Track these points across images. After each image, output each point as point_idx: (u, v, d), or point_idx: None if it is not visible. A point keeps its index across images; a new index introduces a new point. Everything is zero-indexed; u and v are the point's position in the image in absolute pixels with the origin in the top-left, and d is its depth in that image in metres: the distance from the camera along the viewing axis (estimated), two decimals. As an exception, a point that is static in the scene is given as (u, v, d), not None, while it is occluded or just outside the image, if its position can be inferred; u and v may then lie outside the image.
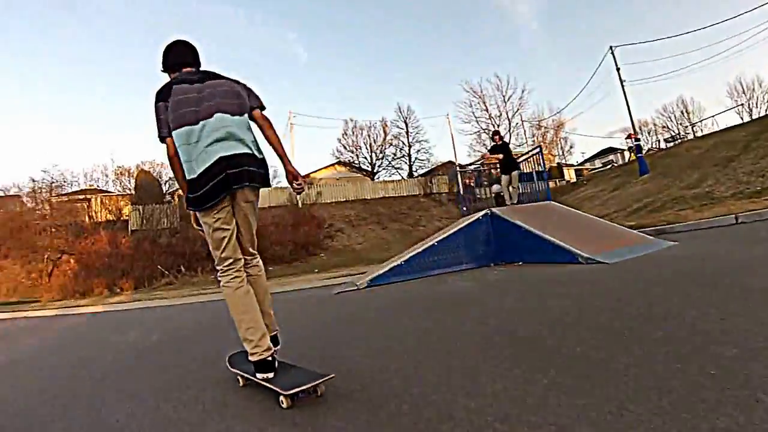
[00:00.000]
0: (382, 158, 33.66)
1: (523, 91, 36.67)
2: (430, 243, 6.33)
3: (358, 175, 32.13)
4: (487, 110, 35.93)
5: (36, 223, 18.80)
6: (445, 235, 6.40)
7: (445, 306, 3.95)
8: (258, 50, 60.76)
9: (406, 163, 34.06)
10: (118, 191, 23.82)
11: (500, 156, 8.70)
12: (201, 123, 2.01)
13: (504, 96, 36.03)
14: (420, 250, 6.25)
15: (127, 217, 20.35)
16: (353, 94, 59.30)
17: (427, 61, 59.67)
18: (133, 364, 3.33)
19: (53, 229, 18.59)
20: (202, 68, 2.33)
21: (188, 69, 2.27)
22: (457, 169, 18.24)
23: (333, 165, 33.69)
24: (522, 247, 6.15)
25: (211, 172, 1.95)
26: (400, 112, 34.68)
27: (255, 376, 2.00)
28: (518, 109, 36.07)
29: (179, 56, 2.29)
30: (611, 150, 42.74)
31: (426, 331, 2.99)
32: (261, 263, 2.33)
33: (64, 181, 20.90)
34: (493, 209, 6.77)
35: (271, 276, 13.32)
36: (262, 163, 2.13)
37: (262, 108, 2.24)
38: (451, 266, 6.23)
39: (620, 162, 34.11)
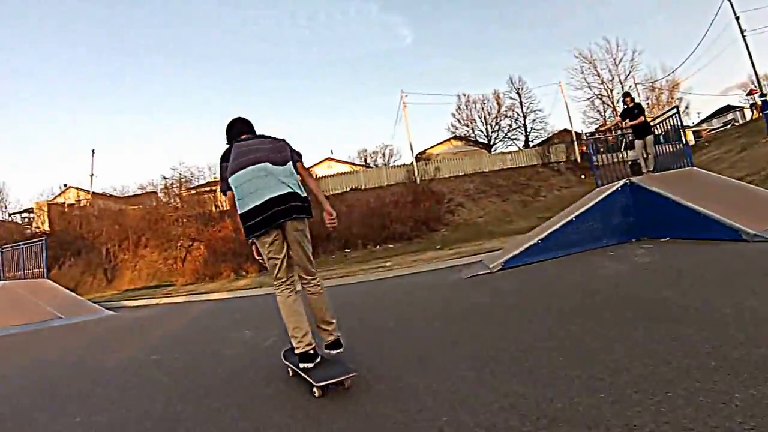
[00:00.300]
0: (498, 130, 33.26)
1: (633, 53, 33.52)
2: (568, 219, 6.13)
3: (475, 148, 32.03)
4: (598, 75, 33.62)
5: (170, 215, 21.54)
6: (583, 210, 6.15)
7: (615, 304, 3.23)
8: (364, 37, 61.80)
9: (522, 133, 33.33)
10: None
11: (641, 119, 8.09)
12: (252, 167, 2.58)
13: (614, 59, 33.48)
14: (557, 227, 6.07)
15: (249, 205, 22.22)
16: (462, 69, 58.45)
17: (531, 31, 56.85)
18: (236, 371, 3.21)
19: (185, 220, 21.14)
20: (257, 134, 2.93)
21: (245, 135, 2.86)
22: (579, 136, 16.96)
23: (449, 140, 33.99)
24: (669, 220, 5.78)
25: (263, 208, 2.49)
26: (512, 83, 33.66)
27: (298, 367, 2.47)
28: (630, 72, 33.27)
29: (239, 129, 2.90)
30: (729, 108, 37.75)
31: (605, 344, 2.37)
32: (321, 282, 2.75)
33: (191, 176, 23.51)
34: (632, 179, 6.39)
35: (392, 254, 13.86)
36: (305, 199, 2.64)
37: (301, 159, 2.81)
38: (591, 243, 6.01)
39: (741, 121, 30.22)
